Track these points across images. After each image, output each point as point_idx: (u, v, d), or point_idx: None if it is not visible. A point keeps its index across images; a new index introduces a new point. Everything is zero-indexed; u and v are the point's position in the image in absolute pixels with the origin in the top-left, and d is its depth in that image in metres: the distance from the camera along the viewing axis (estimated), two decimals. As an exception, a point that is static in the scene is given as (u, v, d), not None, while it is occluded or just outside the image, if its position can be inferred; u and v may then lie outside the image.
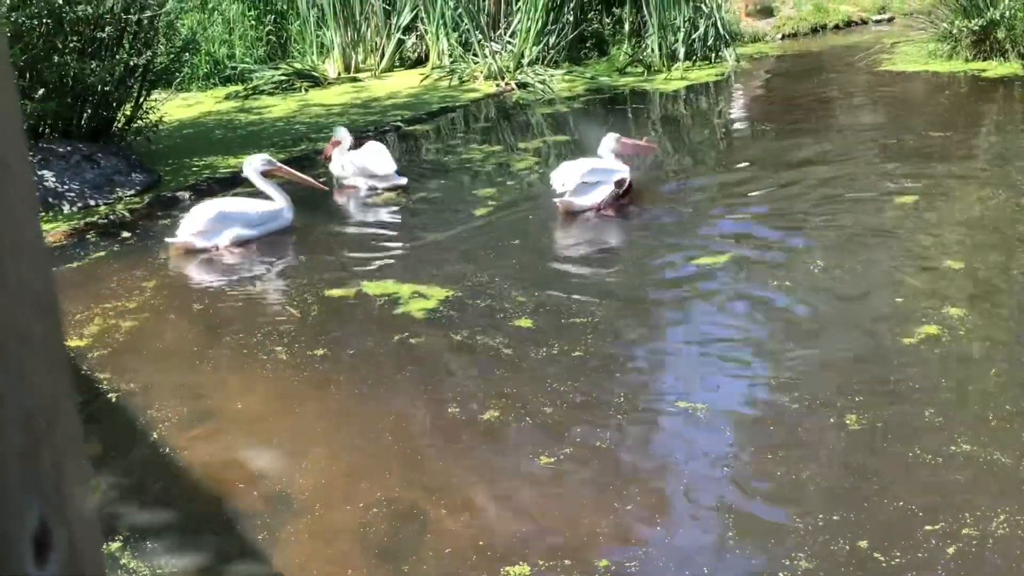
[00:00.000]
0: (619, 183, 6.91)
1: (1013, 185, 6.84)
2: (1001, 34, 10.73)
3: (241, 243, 6.59)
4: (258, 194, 6.93)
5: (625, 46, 12.53)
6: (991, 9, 10.56)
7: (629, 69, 12.21)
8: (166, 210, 7.66)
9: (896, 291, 5.25)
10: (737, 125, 9.88)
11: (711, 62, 12.24)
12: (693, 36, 12.20)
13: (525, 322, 5.17)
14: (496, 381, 4.62)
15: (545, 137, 9.39)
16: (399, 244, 6.66)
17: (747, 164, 7.96)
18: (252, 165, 6.80)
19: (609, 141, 7.09)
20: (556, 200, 6.81)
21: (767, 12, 14.16)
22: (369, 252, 6.51)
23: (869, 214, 6.48)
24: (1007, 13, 10.50)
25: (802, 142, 8.48)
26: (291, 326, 5.39)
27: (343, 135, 8.09)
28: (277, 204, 6.74)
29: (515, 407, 4.33)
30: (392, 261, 6.31)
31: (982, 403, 4.09)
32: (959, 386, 4.25)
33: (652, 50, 12.17)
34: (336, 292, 5.80)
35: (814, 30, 13.99)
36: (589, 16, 12.95)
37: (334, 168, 8.01)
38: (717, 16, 12.31)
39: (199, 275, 6.34)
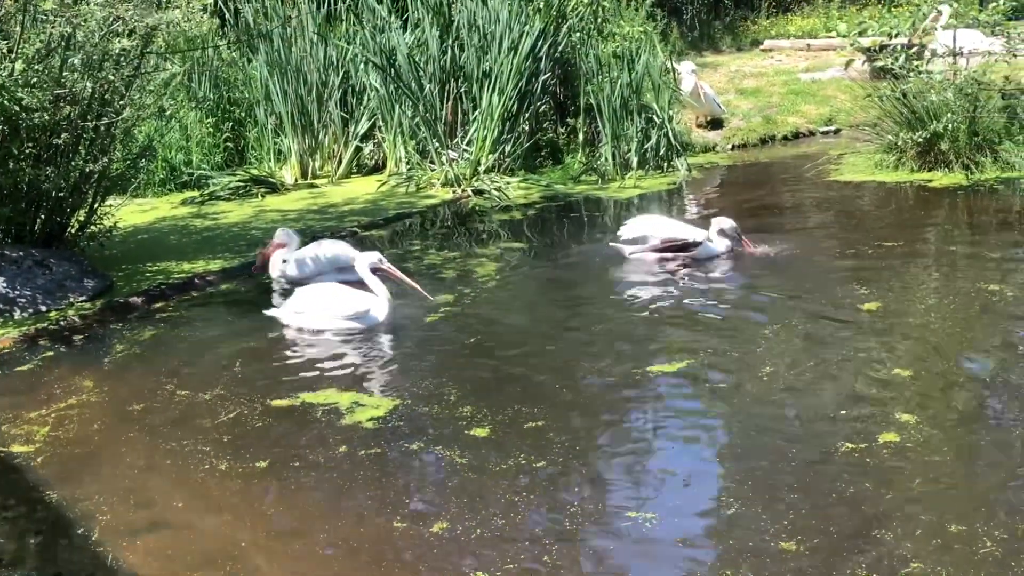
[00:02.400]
0: (672, 243, 8.07)
1: (961, 292, 6.96)
2: (945, 146, 11.02)
3: (333, 329, 6.85)
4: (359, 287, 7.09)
5: (579, 155, 12.71)
6: (934, 122, 10.86)
7: (584, 177, 12.35)
8: (118, 316, 7.57)
9: (845, 398, 5.30)
10: None
11: (663, 171, 12.43)
12: (646, 146, 12.42)
13: (481, 431, 5.11)
14: (449, 492, 4.55)
15: (501, 243, 9.43)
16: (349, 351, 6.62)
17: (689, 272, 8.06)
18: (365, 261, 7.01)
19: (723, 222, 8.08)
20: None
21: (717, 123, 14.43)
22: (317, 359, 6.47)
23: (819, 321, 6.58)
24: (949, 126, 10.81)
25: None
26: (235, 435, 5.29)
27: (288, 236, 8.20)
28: (378, 300, 6.91)
29: (466, 518, 4.27)
30: (342, 368, 6.28)
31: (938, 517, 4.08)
32: (908, 496, 4.29)
33: (606, 159, 12.35)
34: (281, 401, 5.73)
35: (763, 141, 14.26)
36: (544, 126, 13.19)
37: (274, 272, 8.08)
38: (669, 127, 12.54)
39: (146, 381, 6.24)
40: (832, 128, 14.64)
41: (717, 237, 8.19)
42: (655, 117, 12.55)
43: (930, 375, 5.56)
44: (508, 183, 11.80)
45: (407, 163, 12.69)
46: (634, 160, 12.31)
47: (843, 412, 5.13)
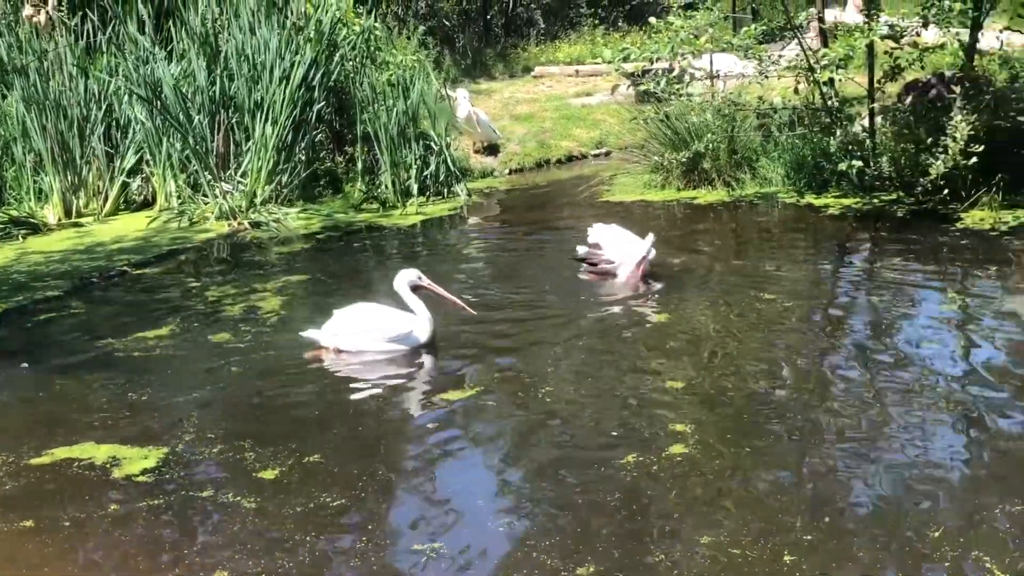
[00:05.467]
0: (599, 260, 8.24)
1: (731, 303, 7.34)
2: (707, 164, 11.51)
3: (374, 351, 6.64)
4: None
5: (359, 183, 12.55)
6: (696, 142, 11.32)
7: (365, 205, 12.22)
8: None
9: (621, 411, 5.43)
10: (472, 251, 10.00)
11: (444, 197, 12.44)
12: (425, 172, 12.40)
13: (268, 473, 4.88)
14: (232, 538, 4.34)
15: (283, 276, 9.13)
16: (118, 396, 6.21)
17: (481, 295, 8.05)
18: (404, 279, 6.73)
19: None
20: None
21: (494, 149, 14.58)
22: (84, 406, 6.05)
23: (597, 334, 6.77)
24: (710, 145, 11.29)
25: (530, 273, 8.79)
26: None
27: None
28: (419, 320, 6.67)
29: (249, 565, 4.11)
30: (112, 417, 5.89)
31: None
32: (687, 508, 4.43)
33: (386, 186, 12.27)
34: (42, 459, 5.32)
35: (539, 165, 14.47)
36: (322, 155, 12.97)
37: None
38: (447, 153, 12.57)
39: None
40: (603, 151, 14.98)
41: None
42: (433, 144, 12.57)
43: (705, 387, 5.76)
44: (287, 214, 11.51)
45: (178, 197, 12.19)
46: (414, 187, 12.28)
47: (624, 426, 5.26)
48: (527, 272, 8.83)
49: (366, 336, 6.66)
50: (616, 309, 7.41)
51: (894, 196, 10.40)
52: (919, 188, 9.98)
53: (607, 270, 8.24)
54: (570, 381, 5.92)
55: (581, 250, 8.59)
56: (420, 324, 6.68)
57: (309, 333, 6.78)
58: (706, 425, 5.21)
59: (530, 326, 7.11)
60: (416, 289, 6.75)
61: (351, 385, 6.31)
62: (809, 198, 10.82)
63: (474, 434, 5.39)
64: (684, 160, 11.48)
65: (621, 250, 8.18)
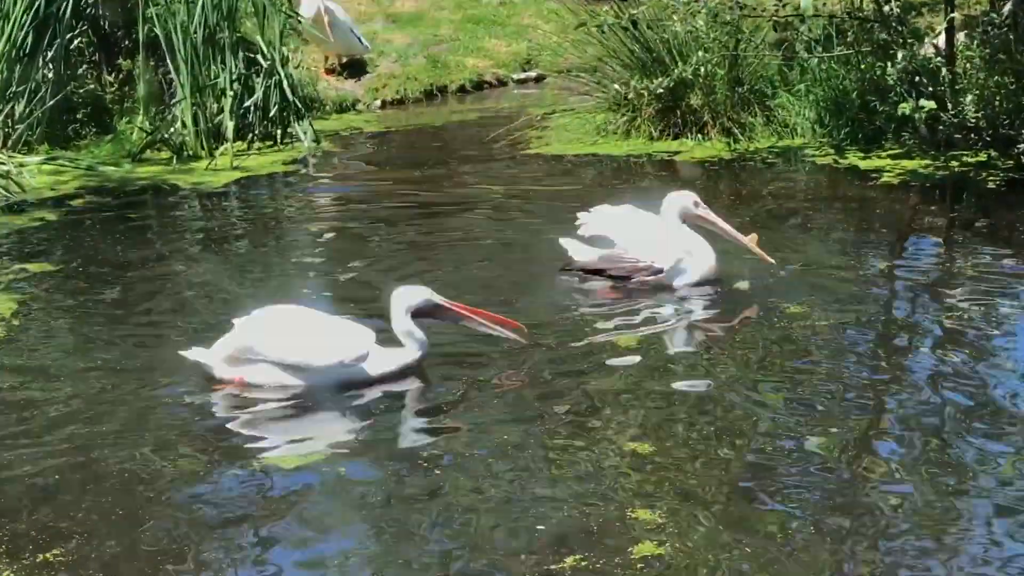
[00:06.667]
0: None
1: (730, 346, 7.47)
2: (697, 101, 11.45)
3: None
4: None
5: (141, 118, 12.35)
6: (680, 64, 11.23)
7: (150, 154, 12.07)
8: None
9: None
10: (319, 237, 9.84)
11: (277, 143, 12.35)
12: (247, 104, 12.28)
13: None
14: None
15: (17, 265, 8.94)
16: None
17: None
18: (406, 299, 6.95)
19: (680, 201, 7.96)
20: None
21: (358, 68, 14.50)
22: None
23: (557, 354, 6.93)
24: (702, 70, 11.20)
25: (415, 268, 8.66)
26: None
27: None
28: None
29: None
30: None
31: None
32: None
33: (183, 124, 12.06)
34: None
35: (429, 94, 14.47)
36: (81, 72, 12.70)
37: None
38: (282, 74, 12.41)
39: None
40: (532, 75, 14.94)
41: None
42: (260, 58, 12.42)
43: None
44: (22, 165, 11.23)
45: None
46: (229, 127, 12.07)
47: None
48: (417, 276, 8.36)
49: (308, 356, 6.87)
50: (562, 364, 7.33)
51: (983, 157, 10.42)
52: (1022, 146, 10.02)
53: (647, 281, 8.12)
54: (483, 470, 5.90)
55: (581, 252, 8.31)
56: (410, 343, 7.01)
57: (193, 354, 6.88)
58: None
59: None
60: (426, 314, 7.02)
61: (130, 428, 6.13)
62: (853, 157, 10.86)
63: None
64: (661, 93, 11.38)
65: (654, 245, 8.08)
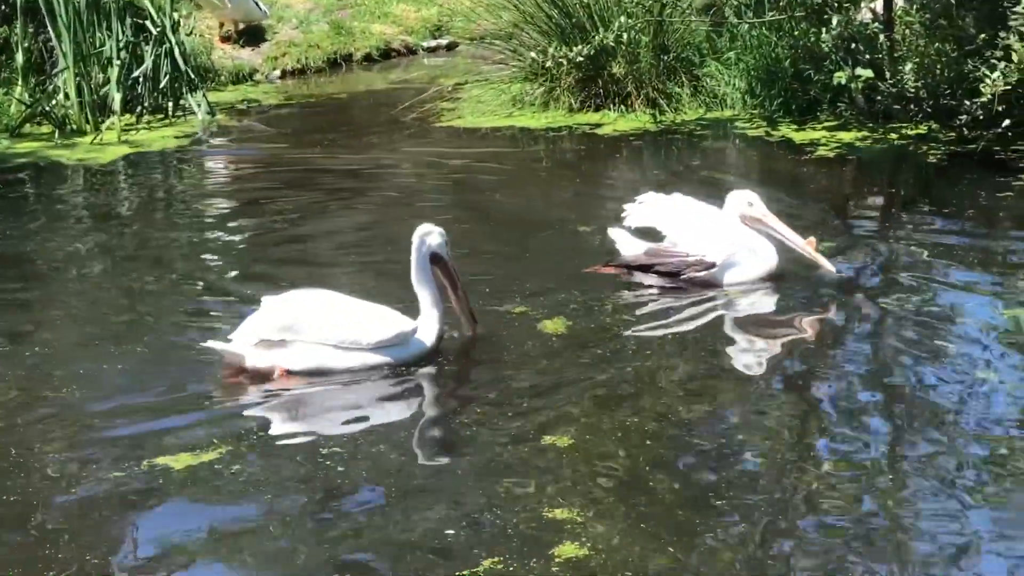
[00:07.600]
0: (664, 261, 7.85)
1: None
2: (619, 69, 11.29)
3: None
4: None
5: (19, 89, 12.16)
6: (601, 31, 10.93)
7: (29, 128, 11.96)
8: None
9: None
10: (217, 221, 9.59)
11: (169, 116, 12.29)
12: (136, 73, 12.15)
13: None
14: None
15: None
16: None
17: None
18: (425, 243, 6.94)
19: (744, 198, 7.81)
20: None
21: (256, 35, 14.41)
22: None
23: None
24: (624, 36, 10.97)
25: (327, 270, 8.36)
26: None
27: None
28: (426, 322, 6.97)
29: None
30: None
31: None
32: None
33: (67, 96, 11.89)
34: None
35: (333, 64, 14.49)
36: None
37: None
38: (174, 41, 12.28)
39: None
40: (443, 43, 15.07)
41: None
42: (150, 24, 12.20)
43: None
44: None
45: None
46: (116, 98, 11.90)
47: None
48: (321, 267, 8.37)
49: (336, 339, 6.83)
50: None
51: (923, 129, 10.36)
52: (964, 117, 9.87)
53: (701, 278, 7.91)
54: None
55: (629, 245, 8.12)
56: (425, 322, 6.98)
57: (215, 345, 6.81)
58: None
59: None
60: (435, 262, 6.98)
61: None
62: (786, 129, 10.79)
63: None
64: (581, 61, 11.06)
65: (705, 238, 7.88)
